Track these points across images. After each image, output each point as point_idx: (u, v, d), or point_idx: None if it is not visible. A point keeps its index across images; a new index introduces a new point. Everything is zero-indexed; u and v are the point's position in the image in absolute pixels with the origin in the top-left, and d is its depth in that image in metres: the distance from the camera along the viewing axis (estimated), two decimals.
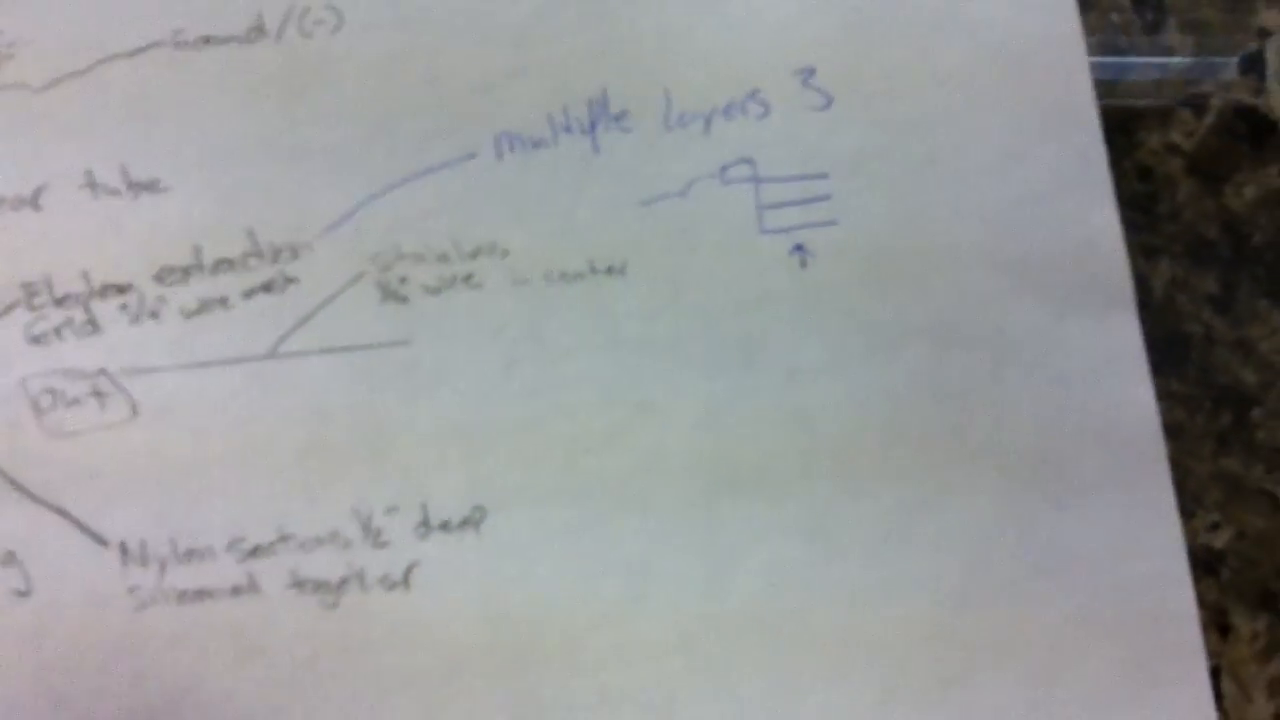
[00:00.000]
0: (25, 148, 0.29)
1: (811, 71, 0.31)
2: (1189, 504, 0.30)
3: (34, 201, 0.29)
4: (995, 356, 0.30)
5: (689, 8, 0.31)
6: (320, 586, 0.28)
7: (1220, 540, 0.31)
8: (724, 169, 0.30)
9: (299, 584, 0.28)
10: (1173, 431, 0.30)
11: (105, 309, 0.28)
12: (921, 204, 0.30)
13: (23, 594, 0.27)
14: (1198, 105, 0.33)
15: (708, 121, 0.30)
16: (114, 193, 0.29)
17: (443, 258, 0.29)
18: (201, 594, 0.27)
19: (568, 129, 0.30)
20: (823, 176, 0.30)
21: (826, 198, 0.30)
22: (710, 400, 0.29)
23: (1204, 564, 0.30)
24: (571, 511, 0.28)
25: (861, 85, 0.31)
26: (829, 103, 0.31)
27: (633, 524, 0.28)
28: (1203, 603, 0.28)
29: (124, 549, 0.27)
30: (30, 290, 0.28)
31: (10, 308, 0.28)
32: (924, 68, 0.31)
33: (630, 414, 0.29)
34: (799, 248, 0.30)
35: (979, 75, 0.31)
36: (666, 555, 0.28)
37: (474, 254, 0.29)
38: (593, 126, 0.30)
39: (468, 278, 0.29)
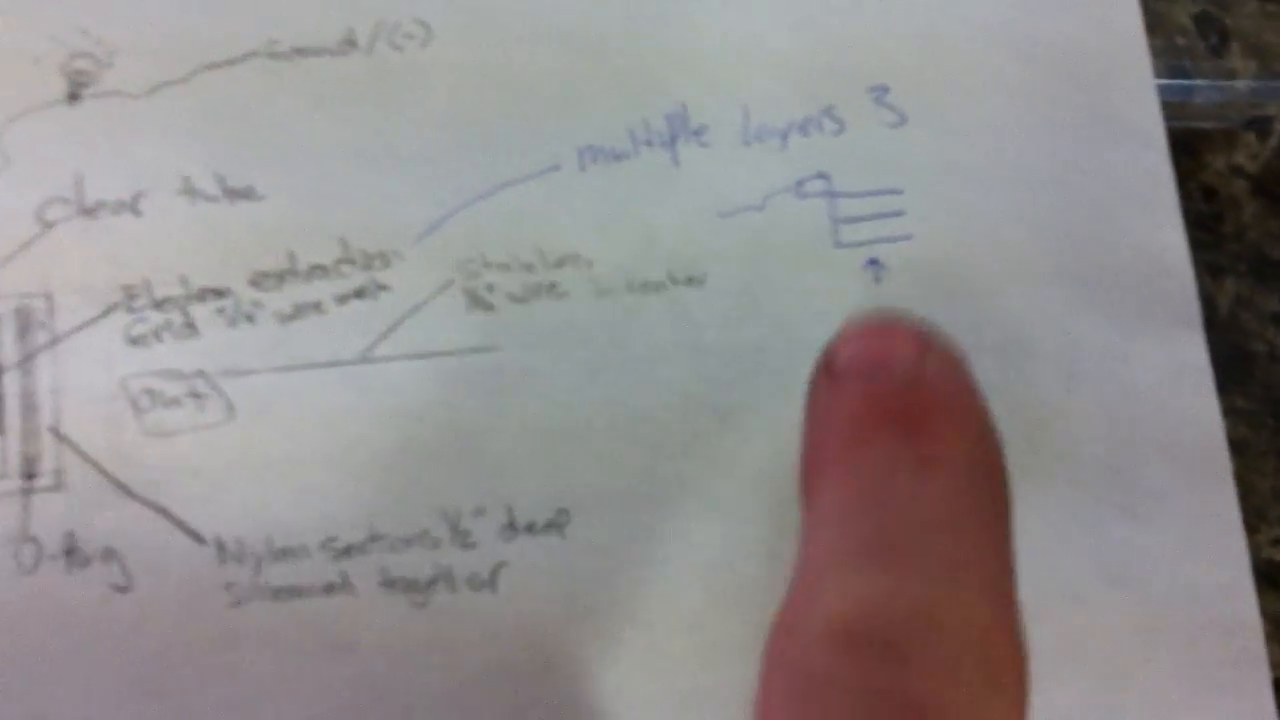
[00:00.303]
0: (125, 154, 0.30)
1: (885, 89, 0.32)
2: (1253, 519, 0.31)
3: (134, 206, 0.29)
4: (1065, 370, 0.30)
5: (766, 25, 0.32)
6: (410, 585, 0.28)
7: None
8: (800, 183, 0.31)
9: (389, 583, 0.28)
10: (1237, 447, 0.30)
11: (203, 312, 0.29)
12: (992, 220, 0.31)
13: (123, 589, 0.28)
14: (1261, 128, 0.33)
15: (784, 137, 0.31)
16: (211, 199, 0.30)
17: (528, 267, 0.30)
18: (295, 591, 0.28)
19: (648, 142, 0.31)
20: (897, 192, 0.31)
21: (901, 213, 0.31)
22: (787, 409, 0.30)
23: (1267, 577, 0.31)
24: (652, 516, 0.29)
25: (933, 103, 0.32)
26: (902, 120, 0.31)
27: (711, 529, 0.29)
28: (1266, 615, 0.29)
29: (221, 546, 0.28)
30: (130, 293, 0.29)
31: (110, 310, 0.29)
32: (993, 85, 0.32)
33: (709, 421, 0.30)
34: (873, 261, 0.31)
35: (1047, 93, 0.32)
36: (744, 560, 0.29)
37: (558, 263, 0.30)
38: (673, 140, 0.31)
39: (552, 287, 0.30)
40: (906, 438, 0.23)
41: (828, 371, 0.24)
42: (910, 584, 0.21)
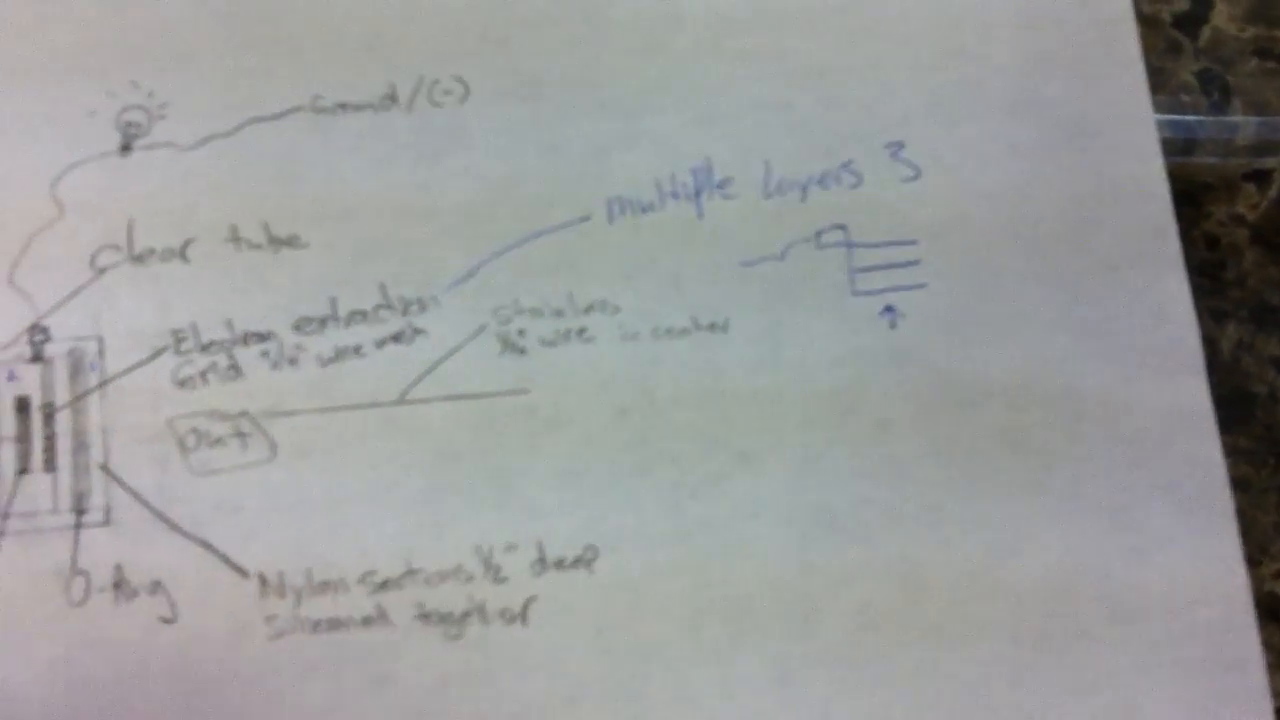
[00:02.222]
0: (175, 203, 0.31)
1: (901, 145, 0.33)
2: (1255, 554, 0.32)
3: (182, 253, 0.31)
4: (1071, 415, 0.32)
5: (787, 83, 0.33)
6: (445, 618, 0.30)
7: None
8: (819, 234, 0.32)
9: (425, 616, 0.30)
10: (1239, 485, 0.31)
11: (247, 355, 0.30)
12: (1001, 270, 0.32)
13: (168, 621, 0.29)
14: (1261, 179, 0.35)
15: (804, 190, 0.33)
16: (257, 247, 0.31)
17: (558, 313, 0.31)
18: (334, 623, 0.29)
19: (674, 195, 0.32)
20: (911, 243, 0.32)
21: (915, 263, 0.32)
22: (806, 450, 0.31)
23: (1270, 610, 0.32)
24: (677, 553, 0.30)
25: (946, 158, 0.33)
26: (917, 174, 0.33)
27: (733, 565, 0.30)
28: (1268, 647, 0.30)
29: (263, 580, 0.29)
30: (178, 336, 0.30)
31: (159, 352, 0.30)
32: (1003, 142, 0.33)
33: (731, 462, 0.31)
34: (889, 309, 0.32)
35: (1054, 149, 0.33)
36: (765, 595, 0.30)
37: (587, 310, 0.32)
38: (697, 193, 0.32)
39: (581, 332, 0.31)
40: None
41: None
42: None
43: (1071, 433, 0.31)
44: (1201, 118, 0.35)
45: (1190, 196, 0.34)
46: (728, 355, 0.32)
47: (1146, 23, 0.34)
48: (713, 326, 0.32)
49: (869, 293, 0.32)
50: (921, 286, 0.32)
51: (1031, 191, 0.33)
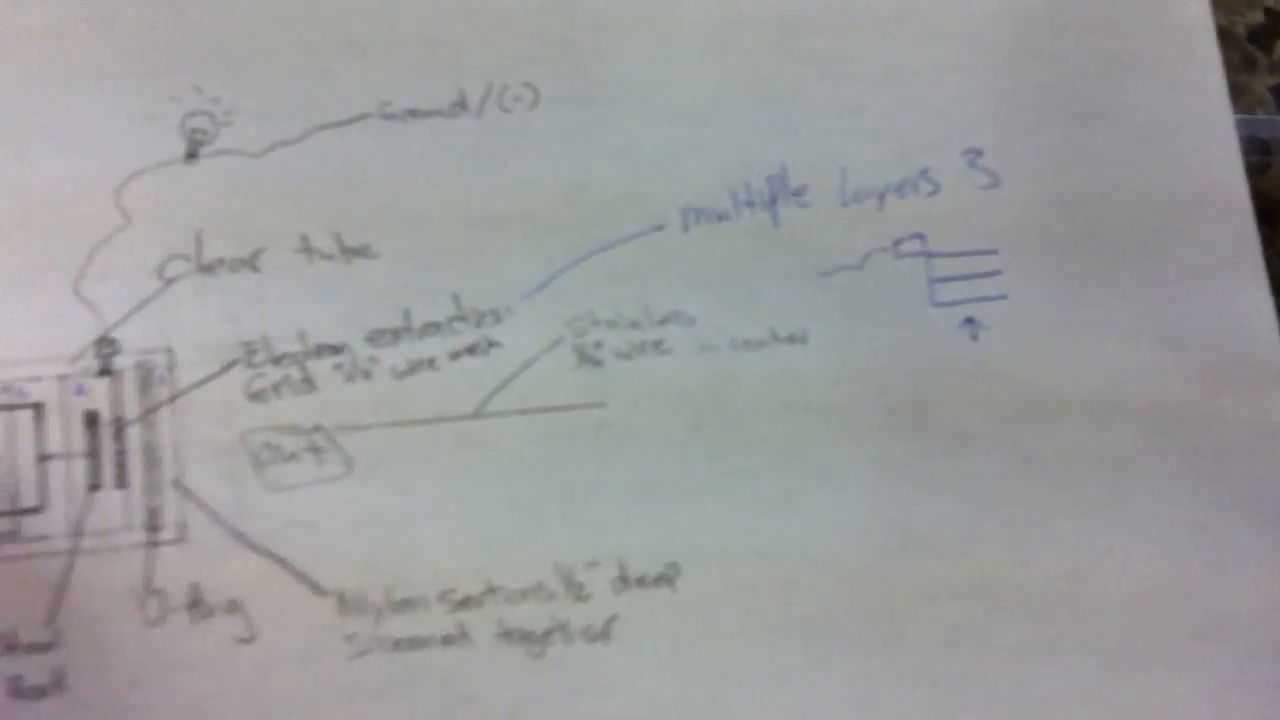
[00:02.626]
0: (244, 211, 0.30)
1: (979, 152, 0.32)
2: None
3: (252, 263, 0.30)
4: (1152, 428, 0.31)
5: (863, 89, 0.33)
6: (526, 637, 0.29)
7: None
8: (897, 243, 0.32)
9: (507, 634, 0.29)
10: None
11: (321, 368, 0.30)
12: (1083, 281, 0.32)
13: (246, 641, 0.28)
14: None
15: (881, 198, 0.32)
16: (328, 257, 0.30)
17: (634, 324, 0.31)
18: (415, 642, 0.29)
19: (749, 203, 0.32)
20: (991, 252, 0.32)
21: (996, 273, 0.32)
22: (885, 464, 0.31)
23: None
24: (756, 570, 0.30)
25: (1025, 166, 0.32)
26: (996, 182, 0.32)
27: (814, 583, 0.30)
28: None
29: (341, 598, 0.29)
30: (250, 348, 0.30)
31: (230, 365, 0.30)
32: (1082, 149, 0.33)
33: (808, 476, 0.30)
34: (969, 320, 0.32)
35: (1134, 157, 0.33)
36: (845, 613, 0.30)
37: (663, 321, 0.31)
38: (773, 201, 0.32)
39: (657, 344, 0.31)
40: None
41: None
42: None
43: (1153, 447, 0.31)
44: (1277, 133, 0.35)
45: (1268, 214, 0.33)
46: (806, 367, 0.31)
47: (1220, 36, 0.33)
48: (790, 337, 0.31)
49: (949, 303, 0.32)
50: (1003, 298, 0.32)
51: (1111, 199, 0.32)
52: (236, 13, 0.31)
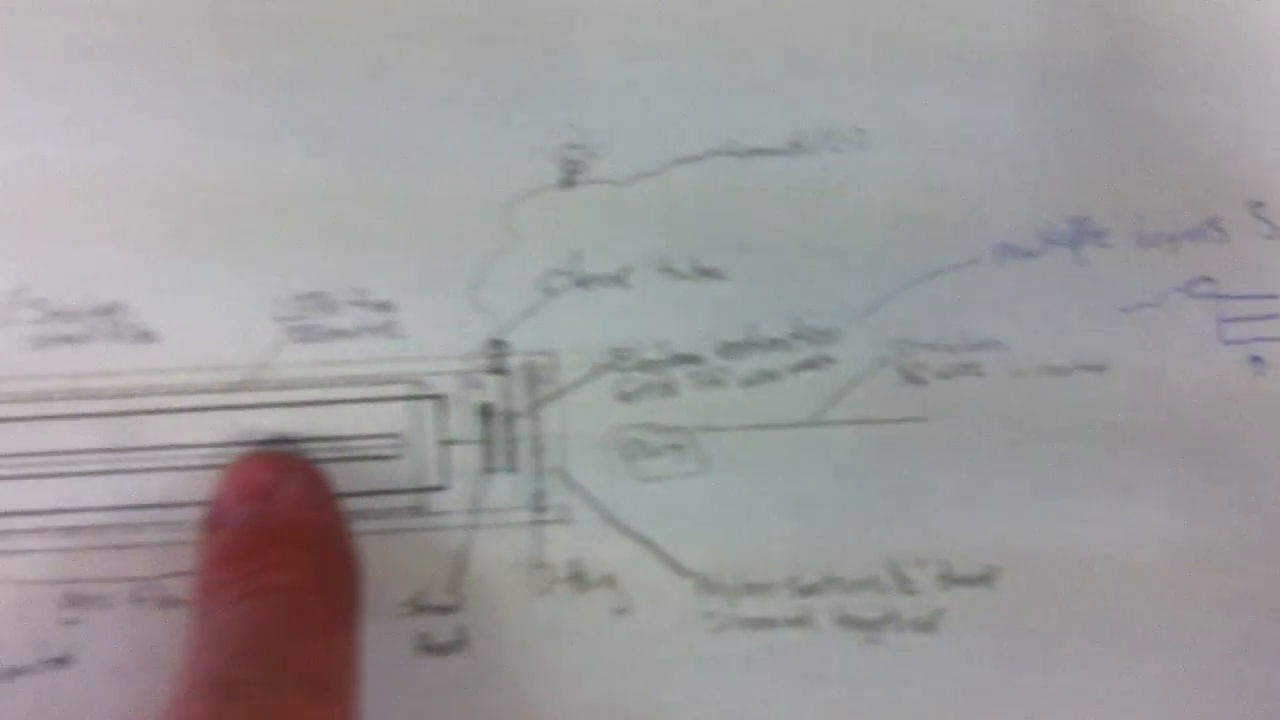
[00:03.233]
0: (612, 234, 0.34)
1: (1260, 203, 0.36)
2: None
3: (621, 280, 0.34)
4: None
5: (1161, 140, 0.36)
6: (863, 624, 0.33)
7: None
8: (1189, 284, 0.35)
9: (845, 620, 0.33)
10: None
11: (679, 375, 0.34)
12: None
13: (621, 612, 0.32)
14: None
15: (1174, 242, 0.35)
16: (685, 277, 0.34)
17: (952, 348, 0.34)
18: (765, 623, 0.32)
19: (1055, 242, 0.35)
20: (1274, 297, 0.35)
21: (1277, 316, 0.35)
22: (1183, 485, 0.34)
23: None
24: (1068, 575, 0.33)
25: None
26: (1276, 232, 0.35)
27: (1120, 589, 0.33)
28: None
29: (701, 580, 0.33)
30: (619, 355, 0.34)
31: (603, 369, 0.34)
32: None
33: (1115, 495, 0.34)
34: (1255, 359, 0.35)
35: None
36: (1148, 619, 0.33)
37: (978, 346, 0.34)
38: (1076, 241, 0.35)
39: (973, 366, 0.34)
40: (251, 570, 0.28)
41: (204, 521, 0.30)
42: (238, 708, 0.25)
43: None
44: None
45: None
46: (1107, 393, 0.34)
47: None
48: (1093, 367, 0.34)
49: (1236, 341, 0.35)
50: None
51: None
52: (608, 61, 0.35)
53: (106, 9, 0.33)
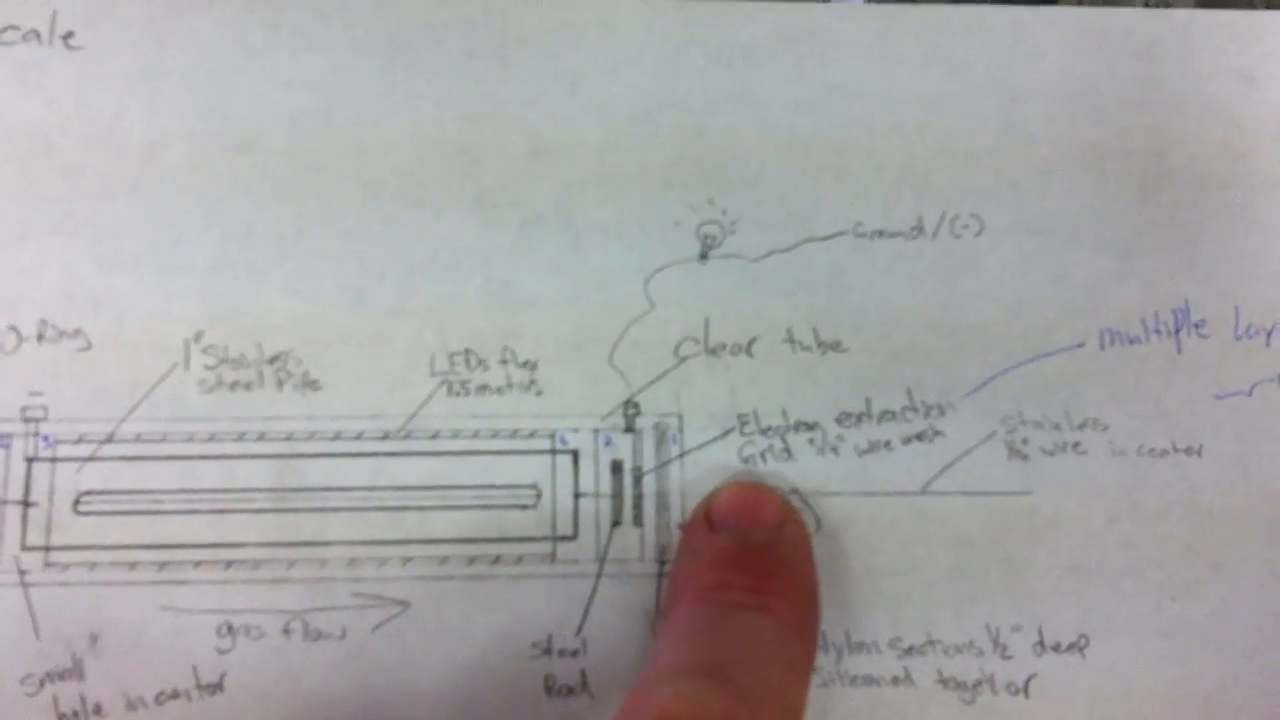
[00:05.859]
0: (742, 306, 0.37)
1: None
2: None
3: (748, 349, 0.36)
4: None
5: (1260, 238, 0.38)
6: (960, 685, 0.35)
7: None
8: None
9: (944, 681, 0.35)
10: None
11: (797, 441, 0.36)
12: None
13: None
14: None
15: (1269, 335, 0.37)
16: (807, 349, 0.36)
17: (1056, 426, 0.36)
18: (869, 680, 0.35)
19: (1157, 330, 0.37)
20: None
21: None
22: (1274, 566, 0.36)
23: None
24: (1160, 647, 0.35)
25: None
26: None
27: (1209, 662, 0.35)
28: None
29: None
30: (743, 419, 0.36)
31: (728, 432, 0.36)
32: None
33: (1207, 570, 0.36)
34: None
35: None
36: (1237, 691, 0.35)
37: (1081, 425, 0.36)
38: (1177, 330, 0.37)
39: (1075, 445, 0.36)
40: (753, 585, 0.30)
41: (706, 519, 0.32)
42: (725, 698, 0.27)
43: None
44: None
45: None
46: (1202, 476, 0.36)
47: None
48: (1189, 449, 0.36)
49: None
50: None
51: None
52: (747, 141, 0.38)
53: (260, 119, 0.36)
